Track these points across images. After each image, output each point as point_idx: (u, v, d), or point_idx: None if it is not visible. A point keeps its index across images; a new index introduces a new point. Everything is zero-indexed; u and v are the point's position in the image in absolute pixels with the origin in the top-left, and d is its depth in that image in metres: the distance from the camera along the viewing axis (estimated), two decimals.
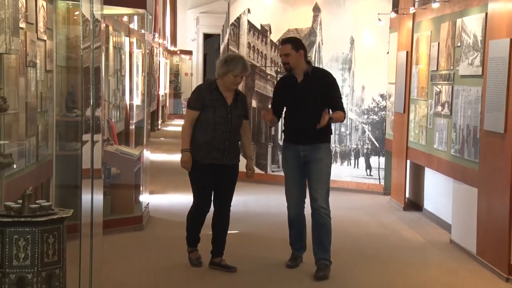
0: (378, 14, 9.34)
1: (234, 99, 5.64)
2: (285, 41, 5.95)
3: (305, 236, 5.90)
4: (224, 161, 5.59)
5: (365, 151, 9.81)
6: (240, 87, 10.64)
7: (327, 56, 9.91)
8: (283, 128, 6.01)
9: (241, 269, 5.66)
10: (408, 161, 8.67)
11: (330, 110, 5.63)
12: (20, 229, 3.72)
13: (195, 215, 5.76)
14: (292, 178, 5.83)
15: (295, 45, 5.72)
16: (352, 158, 9.84)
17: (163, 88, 22.26)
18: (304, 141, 5.67)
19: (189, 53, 27.19)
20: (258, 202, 8.85)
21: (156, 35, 17.85)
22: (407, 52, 8.67)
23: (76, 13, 6.31)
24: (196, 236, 5.81)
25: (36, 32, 5.79)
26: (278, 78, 10.40)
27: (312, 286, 5.44)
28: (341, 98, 5.92)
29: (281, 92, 5.92)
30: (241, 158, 5.85)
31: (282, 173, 10.21)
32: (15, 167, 4.89)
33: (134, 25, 10.07)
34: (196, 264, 5.74)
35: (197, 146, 5.58)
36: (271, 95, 10.46)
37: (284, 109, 5.93)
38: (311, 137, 5.63)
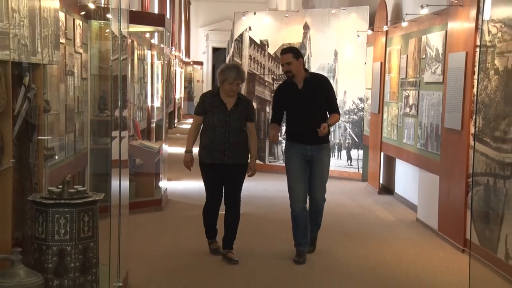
0: (357, 31, 9.35)
1: (235, 104, 5.17)
2: (285, 50, 5.33)
3: (309, 232, 5.35)
4: (225, 160, 5.14)
5: (346, 145, 9.81)
6: (243, 92, 10.67)
7: (315, 66, 9.92)
8: (285, 130, 5.49)
9: (244, 243, 5.66)
10: (382, 153, 8.69)
11: (327, 113, 5.34)
12: (61, 210, 3.73)
13: (208, 209, 5.36)
14: (298, 176, 5.27)
15: (296, 54, 5.23)
16: (336, 150, 9.84)
17: (179, 92, 22.25)
18: (311, 141, 5.22)
19: (200, 63, 27.22)
20: (258, 187, 8.85)
21: (173, 49, 17.83)
22: (381, 63, 8.67)
23: (107, 30, 6.31)
24: (212, 229, 5.42)
25: (74, 46, 5.80)
26: (276, 86, 10.48)
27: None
28: (336, 99, 5.54)
29: (283, 98, 5.36)
30: None
31: (277, 163, 10.37)
32: (56, 158, 4.90)
33: (155, 40, 10.07)
34: (215, 253, 5.37)
35: (202, 148, 5.25)
36: (269, 98, 10.50)
37: (285, 114, 5.47)
38: (318, 138, 5.17)
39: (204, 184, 5.33)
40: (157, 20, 8.34)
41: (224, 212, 5.38)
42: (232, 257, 5.21)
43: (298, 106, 5.24)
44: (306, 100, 5.22)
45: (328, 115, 5.35)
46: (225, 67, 5.22)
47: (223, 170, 5.19)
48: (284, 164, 10.25)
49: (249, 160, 5.28)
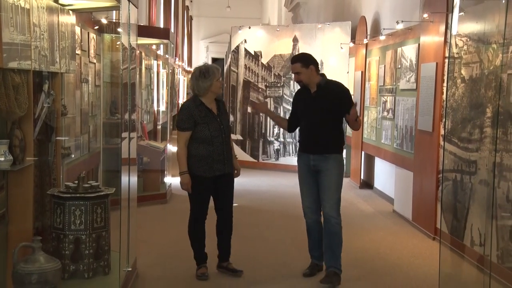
0: (340, 44, 9.37)
1: (218, 108, 4.35)
2: (294, 60, 4.45)
3: (322, 245, 4.51)
4: (225, 170, 4.34)
5: None
6: (238, 98, 10.68)
7: None
8: (299, 138, 4.66)
9: (240, 231, 5.66)
10: (363, 152, 8.71)
11: (345, 118, 4.42)
12: (76, 202, 3.75)
13: (195, 226, 4.42)
14: (305, 187, 4.48)
15: (304, 62, 4.37)
16: None
17: (182, 98, 22.21)
18: (314, 151, 4.36)
19: None
20: (252, 182, 8.86)
21: (177, 59, 17.81)
22: (361, 72, 8.69)
23: (118, 43, 6.31)
24: (202, 252, 4.47)
25: (88, 57, 5.81)
26: (269, 92, 10.50)
27: (291, 253, 5.44)
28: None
29: (297, 103, 4.57)
30: None
31: (269, 161, 10.38)
32: (72, 156, 4.91)
33: (160, 52, 10.07)
34: (202, 278, 4.38)
35: (196, 161, 4.25)
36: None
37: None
38: (321, 148, 4.33)
39: (194, 198, 4.36)
40: (163, 33, 8.36)
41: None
42: (235, 267, 4.49)
43: (306, 112, 4.46)
44: (314, 107, 4.40)
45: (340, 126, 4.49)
46: (204, 69, 4.28)
47: (220, 180, 4.37)
48: (276, 162, 10.20)
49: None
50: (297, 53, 4.73)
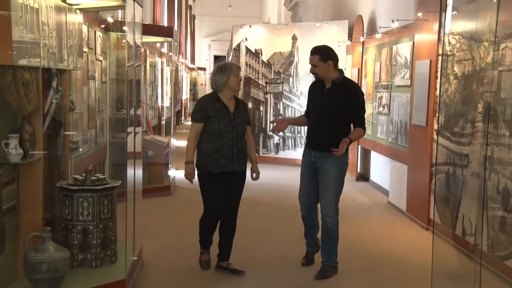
0: (338, 41, 9.35)
1: (235, 107, 4.20)
2: (313, 51, 4.19)
3: (316, 237, 4.52)
4: (234, 167, 4.17)
5: None
6: (239, 93, 10.68)
7: (302, 72, 9.94)
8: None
9: (242, 221, 5.68)
10: (359, 146, 8.72)
11: (352, 126, 4.23)
12: (84, 194, 3.77)
13: (208, 222, 4.33)
14: (302, 181, 4.36)
15: (323, 56, 4.13)
16: None
17: (185, 94, 22.21)
18: (316, 147, 4.21)
19: (203, 69, 27.19)
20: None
21: (180, 56, 17.81)
22: (358, 69, 8.70)
23: (123, 41, 6.32)
24: (208, 240, 4.42)
25: (95, 54, 5.82)
26: (269, 88, 10.51)
27: (291, 242, 5.46)
28: (363, 112, 4.27)
29: (310, 95, 4.39)
30: None
31: (269, 155, 10.39)
32: (80, 150, 4.93)
33: (164, 49, 10.08)
34: (205, 267, 4.40)
35: (206, 156, 4.15)
36: (262, 99, 10.52)
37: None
38: (323, 145, 4.12)
39: (205, 194, 4.25)
40: (167, 32, 8.37)
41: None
42: (236, 268, 4.34)
43: (316, 108, 4.27)
44: (324, 104, 4.19)
45: (352, 128, 4.25)
46: (222, 65, 4.21)
47: (229, 178, 4.21)
48: (275, 156, 10.19)
49: (250, 165, 4.37)
50: (319, 45, 4.42)
